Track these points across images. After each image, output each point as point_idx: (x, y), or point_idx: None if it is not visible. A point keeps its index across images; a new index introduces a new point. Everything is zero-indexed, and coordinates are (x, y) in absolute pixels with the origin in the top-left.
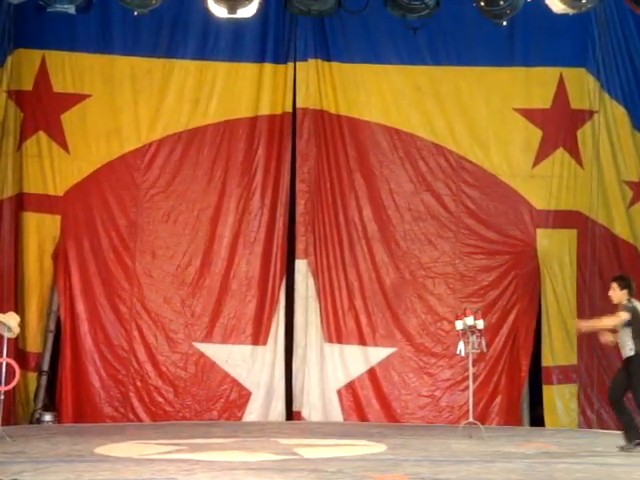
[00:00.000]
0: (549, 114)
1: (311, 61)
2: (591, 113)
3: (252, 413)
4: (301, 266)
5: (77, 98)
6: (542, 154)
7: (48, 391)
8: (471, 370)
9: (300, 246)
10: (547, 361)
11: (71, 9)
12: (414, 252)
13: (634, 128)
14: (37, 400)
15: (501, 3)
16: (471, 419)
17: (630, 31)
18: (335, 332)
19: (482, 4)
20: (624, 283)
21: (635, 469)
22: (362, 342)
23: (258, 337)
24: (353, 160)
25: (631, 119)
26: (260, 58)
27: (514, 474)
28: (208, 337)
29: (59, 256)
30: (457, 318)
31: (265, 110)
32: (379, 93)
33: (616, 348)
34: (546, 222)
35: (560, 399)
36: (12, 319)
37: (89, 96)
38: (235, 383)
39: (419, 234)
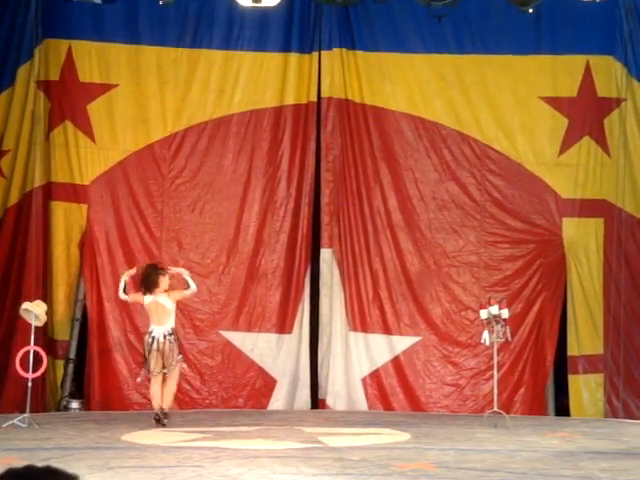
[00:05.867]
0: (575, 102)
1: (336, 50)
2: (619, 101)
3: (277, 401)
4: (326, 255)
5: (103, 88)
6: (568, 142)
7: (75, 379)
8: (496, 359)
9: (325, 235)
10: (573, 350)
11: None
12: (439, 241)
13: None
14: (64, 388)
15: None
16: (496, 408)
17: None
18: (360, 321)
19: None
20: None
21: None
22: (387, 331)
23: (283, 325)
24: (378, 149)
25: None
26: (285, 48)
27: (539, 463)
28: (234, 325)
29: (85, 245)
30: (482, 307)
31: (290, 100)
32: (404, 82)
33: None
34: (572, 211)
35: (586, 389)
36: (39, 307)
37: (115, 86)
38: (261, 371)
39: (444, 223)
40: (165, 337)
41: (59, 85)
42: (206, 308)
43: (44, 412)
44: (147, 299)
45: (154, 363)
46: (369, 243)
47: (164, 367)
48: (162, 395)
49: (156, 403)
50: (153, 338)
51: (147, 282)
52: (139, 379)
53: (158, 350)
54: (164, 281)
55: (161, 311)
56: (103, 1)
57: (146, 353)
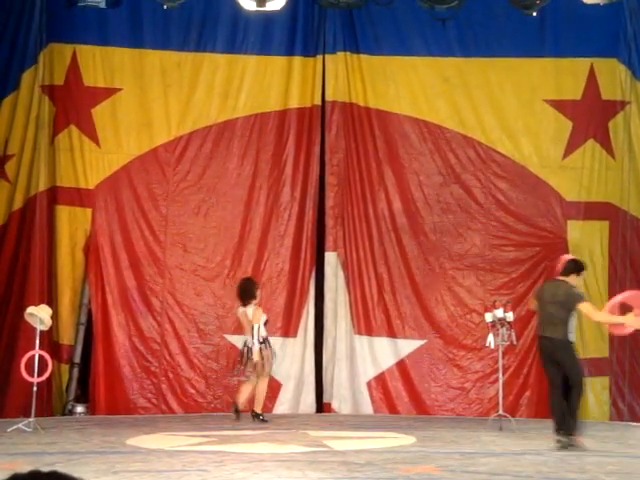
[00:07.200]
0: (580, 105)
1: (340, 54)
2: (623, 104)
3: (282, 405)
4: (331, 259)
5: (108, 92)
6: (572, 145)
7: (80, 383)
8: (501, 362)
9: (330, 239)
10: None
11: (101, 3)
12: (443, 244)
13: None
14: (69, 392)
15: None
16: (501, 411)
17: None
18: (365, 324)
19: None
20: None
21: None
22: (391, 334)
23: (288, 329)
24: (382, 152)
25: None
26: (289, 51)
27: (545, 467)
28: (239, 329)
29: (90, 249)
30: (486, 310)
31: (294, 103)
32: (408, 85)
33: None
34: (577, 214)
35: (592, 392)
36: (44, 311)
37: (120, 90)
38: None
39: (448, 226)
40: (259, 344)
41: (64, 89)
42: (211, 312)
43: (49, 416)
44: (239, 310)
45: (246, 368)
46: (374, 246)
47: (256, 372)
48: (248, 395)
49: (240, 398)
50: (247, 347)
51: (246, 294)
52: (236, 374)
53: (251, 358)
54: (259, 294)
55: (246, 322)
56: (107, 5)
57: (244, 359)
